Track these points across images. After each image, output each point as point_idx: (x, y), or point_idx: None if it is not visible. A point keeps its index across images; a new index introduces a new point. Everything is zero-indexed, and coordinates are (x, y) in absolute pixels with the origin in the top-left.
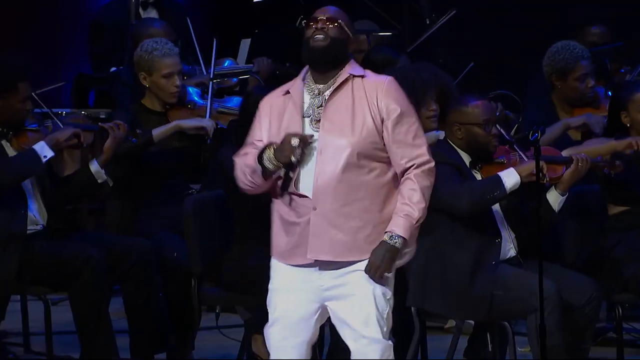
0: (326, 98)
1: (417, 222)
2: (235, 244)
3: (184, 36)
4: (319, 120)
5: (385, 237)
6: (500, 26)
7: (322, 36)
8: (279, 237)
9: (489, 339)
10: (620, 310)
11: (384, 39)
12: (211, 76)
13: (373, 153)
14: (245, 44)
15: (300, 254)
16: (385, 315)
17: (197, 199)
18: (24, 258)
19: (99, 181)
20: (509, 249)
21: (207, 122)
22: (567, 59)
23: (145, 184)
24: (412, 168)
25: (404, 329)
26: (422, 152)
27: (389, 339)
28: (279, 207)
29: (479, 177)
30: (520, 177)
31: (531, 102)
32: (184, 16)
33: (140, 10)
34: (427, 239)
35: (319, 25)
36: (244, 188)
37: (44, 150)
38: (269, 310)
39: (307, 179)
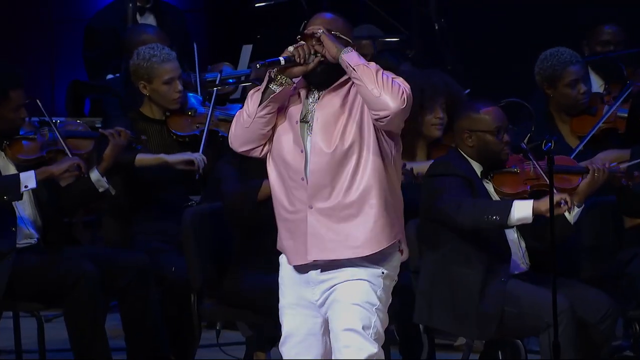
0: (318, 99)
1: (366, 64)
2: (237, 257)
3: (182, 42)
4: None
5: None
6: (510, 30)
7: (319, 56)
8: (280, 232)
9: (500, 356)
10: (638, 327)
11: (390, 44)
12: (217, 82)
13: (369, 147)
14: (246, 49)
15: (298, 255)
16: (370, 324)
17: (197, 211)
18: (16, 273)
19: (100, 190)
20: (520, 263)
21: (197, 156)
22: (555, 65)
23: (142, 196)
24: None
25: (412, 346)
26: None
27: (377, 347)
28: (279, 197)
29: (490, 187)
30: (540, 211)
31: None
32: (183, 22)
33: (138, 16)
34: (433, 254)
35: (314, 43)
36: (233, 137)
37: (28, 179)
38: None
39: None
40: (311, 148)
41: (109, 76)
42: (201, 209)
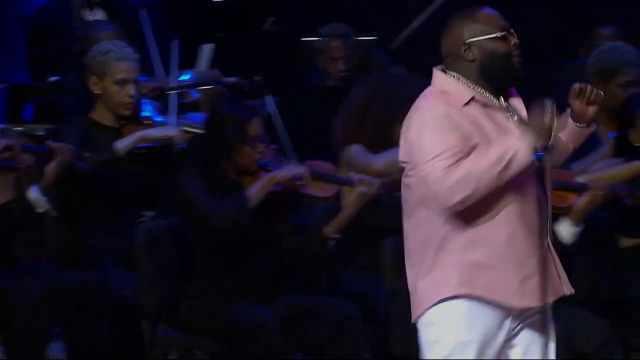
0: (514, 112)
1: None
2: (196, 278)
3: (135, 41)
4: None
5: None
6: (539, 25)
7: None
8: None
9: None
10: None
11: (366, 43)
12: (175, 84)
13: None
14: (205, 49)
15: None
16: None
17: (151, 227)
18: None
19: (38, 211)
20: None
21: (174, 131)
22: None
23: (91, 210)
24: None
25: None
26: None
27: None
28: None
29: None
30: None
31: None
32: (136, 19)
33: (87, 11)
34: None
35: (516, 41)
36: (464, 200)
37: None
38: None
39: None
40: None
41: (53, 78)
42: (156, 225)
